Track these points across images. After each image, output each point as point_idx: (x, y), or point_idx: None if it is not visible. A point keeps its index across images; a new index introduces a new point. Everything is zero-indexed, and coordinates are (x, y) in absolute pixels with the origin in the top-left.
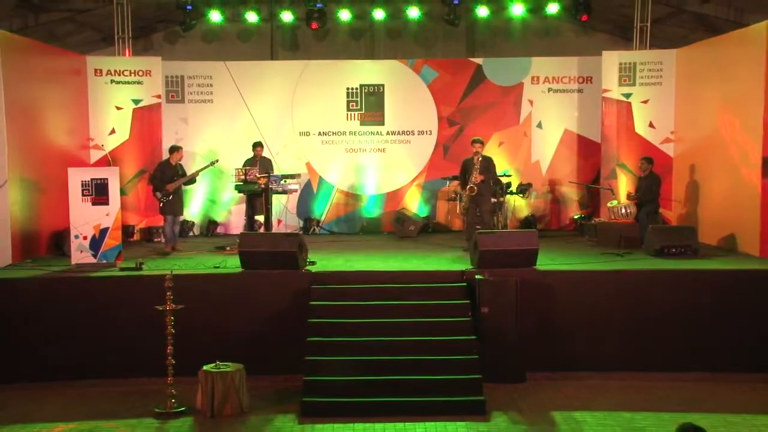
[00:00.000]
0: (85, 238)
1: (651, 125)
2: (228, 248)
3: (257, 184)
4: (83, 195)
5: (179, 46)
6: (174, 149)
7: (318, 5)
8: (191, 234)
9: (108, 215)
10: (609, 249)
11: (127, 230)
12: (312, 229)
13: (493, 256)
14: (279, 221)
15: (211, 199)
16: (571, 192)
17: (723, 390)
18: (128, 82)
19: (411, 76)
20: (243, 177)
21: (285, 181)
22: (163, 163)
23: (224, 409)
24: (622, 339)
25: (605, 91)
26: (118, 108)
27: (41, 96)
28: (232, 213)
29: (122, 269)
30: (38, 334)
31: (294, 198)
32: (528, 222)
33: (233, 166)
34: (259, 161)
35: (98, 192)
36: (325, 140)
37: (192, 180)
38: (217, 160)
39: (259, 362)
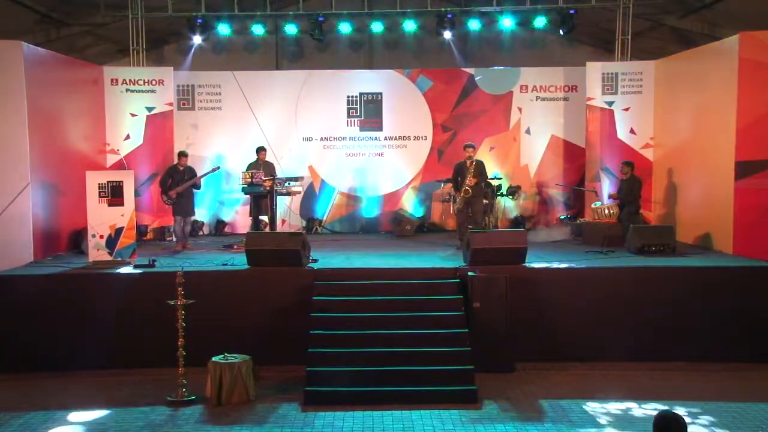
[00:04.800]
0: (101, 237)
1: (632, 131)
2: (235, 246)
3: (263, 186)
4: (100, 197)
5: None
6: (180, 155)
7: (320, 18)
8: (201, 233)
9: (123, 216)
10: (593, 247)
11: (140, 230)
12: (314, 229)
13: (485, 253)
14: (283, 221)
15: (219, 200)
16: (557, 194)
17: (700, 379)
18: (142, 91)
19: (407, 85)
20: (250, 180)
21: (289, 184)
22: (171, 168)
23: (232, 397)
24: (605, 331)
25: (589, 99)
26: (133, 115)
27: (61, 104)
28: (238, 213)
29: (136, 266)
30: (58, 327)
31: (297, 199)
32: (517, 222)
33: (240, 170)
34: (262, 165)
35: (114, 194)
36: (327, 145)
37: (196, 185)
38: (218, 167)
39: (265, 353)
